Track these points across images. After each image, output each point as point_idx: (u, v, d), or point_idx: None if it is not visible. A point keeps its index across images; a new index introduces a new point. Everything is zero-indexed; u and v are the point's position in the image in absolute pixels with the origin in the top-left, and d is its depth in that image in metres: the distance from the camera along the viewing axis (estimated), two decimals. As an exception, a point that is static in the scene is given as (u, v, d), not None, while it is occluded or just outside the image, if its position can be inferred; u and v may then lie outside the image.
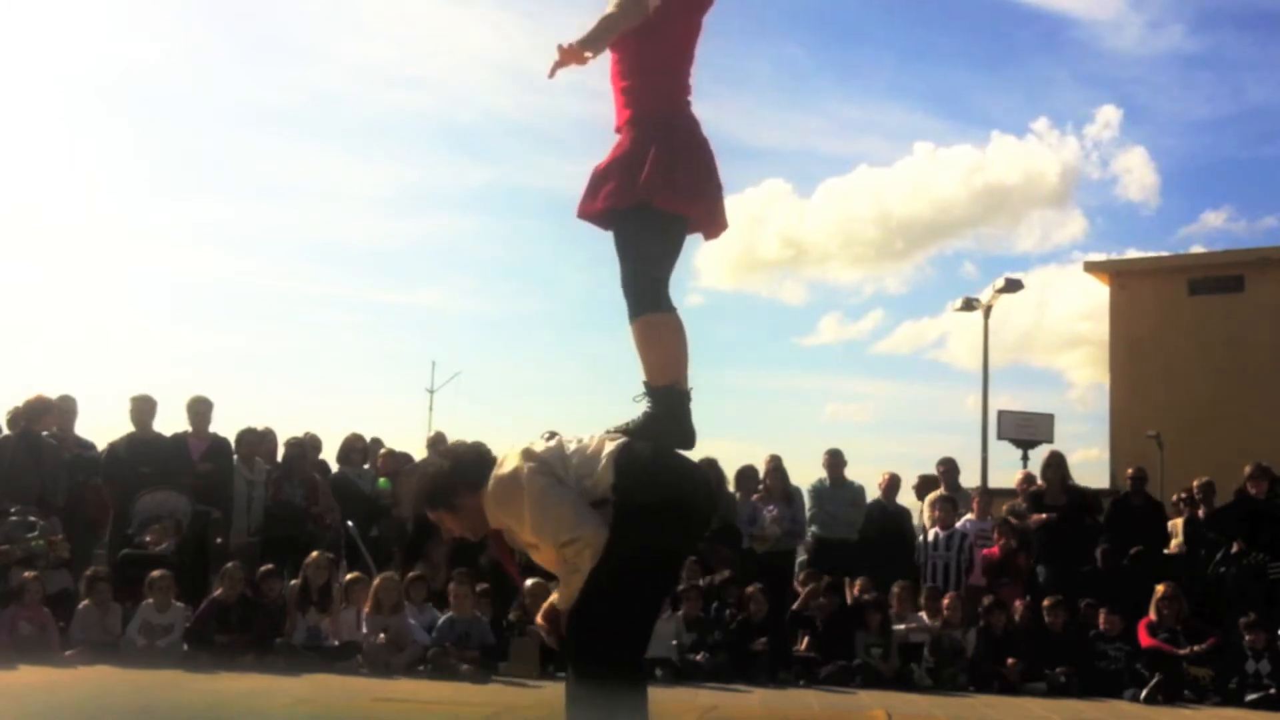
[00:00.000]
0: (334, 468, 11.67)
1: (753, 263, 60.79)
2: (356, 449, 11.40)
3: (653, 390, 4.00)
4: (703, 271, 61.25)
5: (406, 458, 11.90)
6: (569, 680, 3.76)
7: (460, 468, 3.80)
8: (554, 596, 3.82)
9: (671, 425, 3.96)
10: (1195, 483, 11.02)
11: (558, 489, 3.63)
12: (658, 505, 3.62)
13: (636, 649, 3.78)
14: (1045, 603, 9.79)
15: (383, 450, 11.64)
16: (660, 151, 4.10)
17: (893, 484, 11.60)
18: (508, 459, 3.73)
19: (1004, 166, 57.72)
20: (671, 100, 4.23)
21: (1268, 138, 57.33)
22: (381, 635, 9.26)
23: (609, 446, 3.69)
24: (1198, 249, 41.36)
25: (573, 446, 3.74)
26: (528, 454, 3.70)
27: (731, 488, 11.37)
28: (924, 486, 11.73)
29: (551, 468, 3.66)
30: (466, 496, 3.77)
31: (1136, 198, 58.91)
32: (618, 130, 4.28)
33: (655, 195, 4.07)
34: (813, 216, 59.83)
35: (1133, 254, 41.59)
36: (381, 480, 11.25)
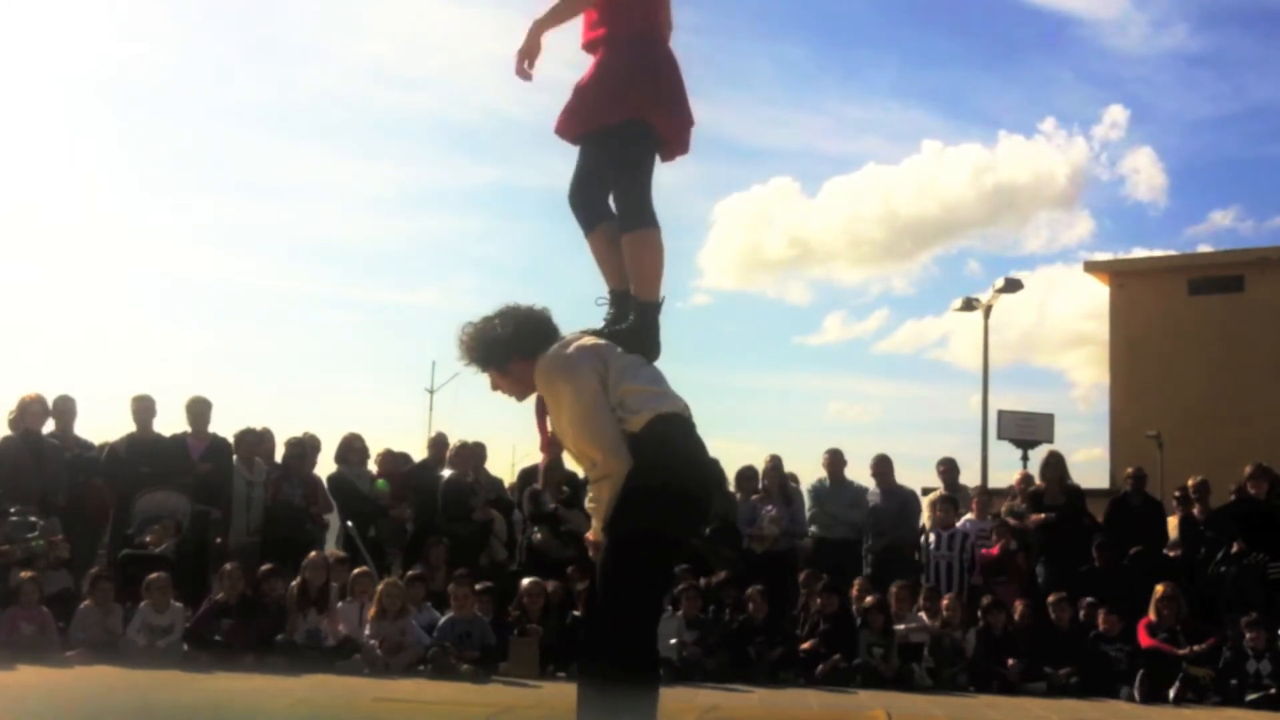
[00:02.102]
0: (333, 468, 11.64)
1: (758, 262, 60.85)
2: (354, 449, 11.40)
3: (640, 304, 4.08)
4: (707, 271, 61.29)
5: (404, 458, 11.90)
6: (579, 681, 3.81)
7: (519, 337, 3.90)
8: (590, 533, 3.99)
9: (650, 339, 4.06)
10: (1191, 481, 11.02)
11: (605, 404, 3.72)
12: (670, 494, 3.67)
13: (644, 647, 3.78)
14: (1050, 599, 9.80)
15: (380, 451, 11.62)
16: (650, 67, 4.18)
17: (884, 464, 11.42)
18: (572, 345, 3.82)
19: (1014, 166, 57.82)
20: (648, 18, 4.26)
21: (1272, 136, 57.41)
22: (380, 641, 9.25)
23: (647, 408, 3.72)
24: (1205, 248, 41.36)
25: (615, 366, 3.80)
26: (594, 353, 3.79)
27: (731, 488, 11.38)
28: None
29: (604, 379, 3.75)
30: (519, 363, 3.89)
31: (1145, 198, 59.04)
32: (586, 47, 4.32)
33: (649, 111, 4.13)
34: (819, 215, 59.92)
35: (1133, 254, 41.61)
36: (379, 481, 11.25)
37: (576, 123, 4.27)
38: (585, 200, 4.30)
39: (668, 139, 4.27)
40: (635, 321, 4.07)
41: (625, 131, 4.15)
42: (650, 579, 3.80)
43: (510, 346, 3.90)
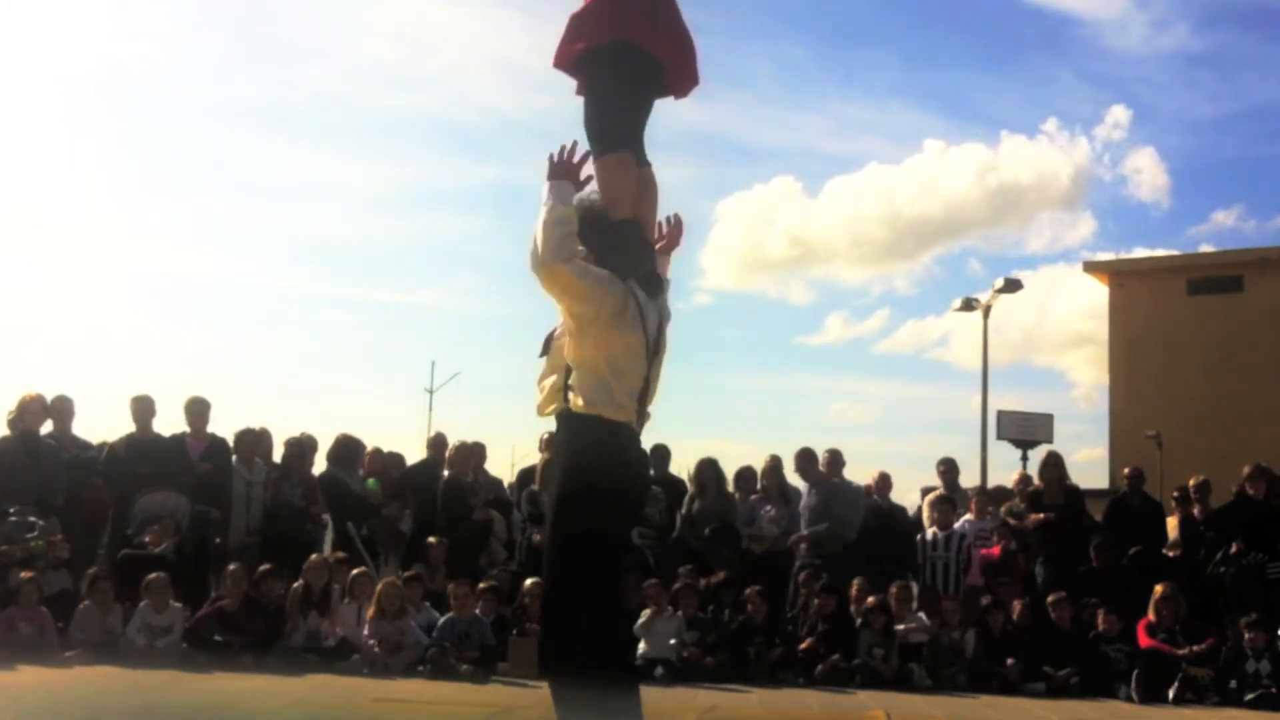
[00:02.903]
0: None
1: (759, 262, 60.87)
2: (347, 449, 11.38)
3: (613, 224, 4.10)
4: (708, 271, 61.26)
5: (396, 458, 11.90)
6: (551, 683, 3.95)
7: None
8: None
9: (626, 253, 4.09)
10: (1191, 481, 11.02)
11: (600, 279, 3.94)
12: (599, 493, 3.84)
13: (611, 643, 3.92)
14: (1050, 599, 9.80)
15: (369, 450, 11.62)
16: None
17: (884, 482, 11.58)
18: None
19: (1016, 167, 57.87)
20: None
21: (1274, 136, 57.49)
22: (379, 641, 9.24)
23: (598, 402, 3.93)
24: (1207, 248, 41.36)
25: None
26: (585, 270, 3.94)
27: (730, 488, 11.38)
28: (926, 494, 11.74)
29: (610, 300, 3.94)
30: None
31: (1148, 198, 59.14)
32: None
33: (638, 34, 4.11)
34: (820, 215, 59.94)
35: (1132, 254, 41.61)
36: (370, 480, 11.24)
37: (566, 50, 4.26)
38: (584, 126, 4.29)
39: (672, 67, 4.22)
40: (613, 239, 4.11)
41: (607, 55, 4.14)
42: (598, 579, 3.92)
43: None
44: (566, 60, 4.28)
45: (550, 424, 4.21)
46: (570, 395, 3.97)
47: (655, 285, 4.17)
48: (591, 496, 3.86)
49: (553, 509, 4.03)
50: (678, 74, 4.29)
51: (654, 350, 4.05)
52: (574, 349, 4.00)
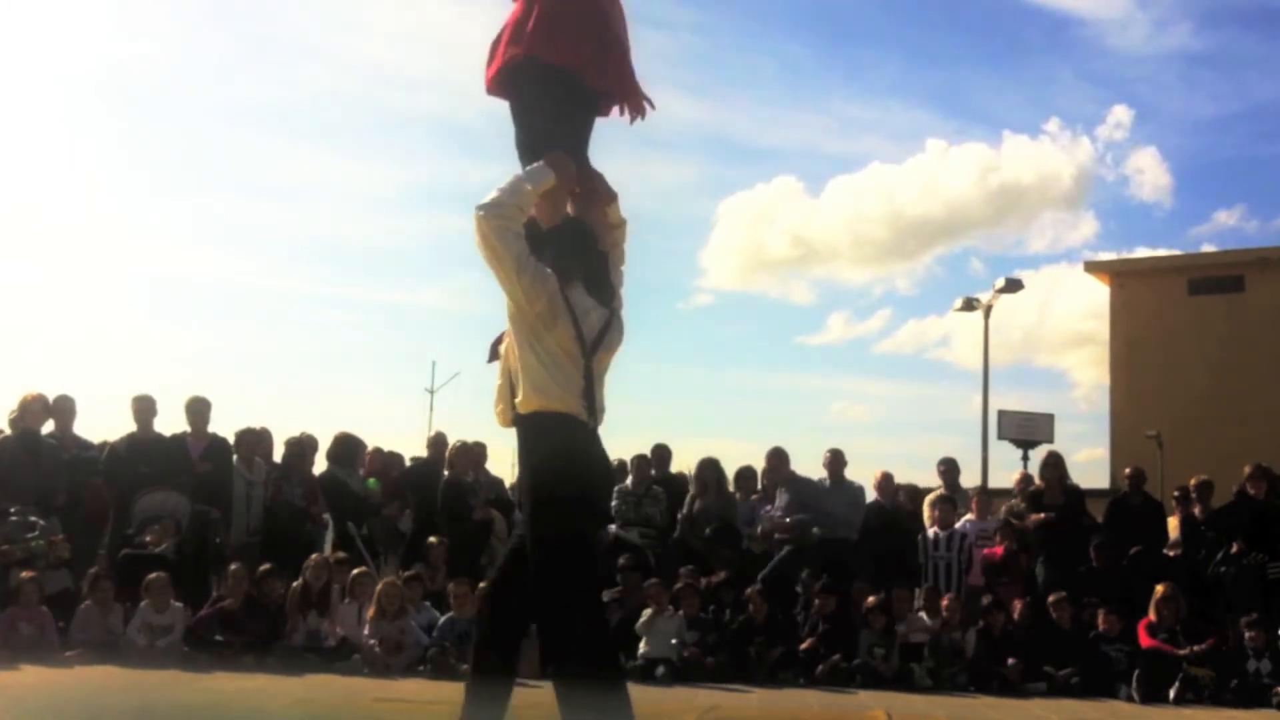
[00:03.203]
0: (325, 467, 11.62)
1: (760, 262, 60.88)
2: (346, 448, 11.38)
3: (547, 232, 4.18)
4: (710, 271, 61.23)
5: (395, 457, 11.88)
6: (555, 684, 4.02)
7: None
8: None
9: (568, 260, 4.13)
10: (1192, 481, 11.02)
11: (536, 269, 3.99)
12: (565, 497, 3.93)
13: (603, 641, 4.04)
14: (1050, 599, 9.80)
15: (369, 450, 11.61)
16: (545, 6, 4.22)
17: (886, 482, 11.57)
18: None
19: (1019, 166, 57.87)
20: None
21: (1275, 136, 57.51)
22: (380, 641, 9.24)
23: (546, 397, 4.00)
24: (1209, 248, 41.35)
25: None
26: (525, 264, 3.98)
27: (731, 488, 11.37)
28: (918, 496, 11.69)
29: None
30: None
31: (1150, 198, 59.11)
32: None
33: (537, 47, 4.17)
34: (822, 215, 59.95)
35: (1133, 254, 41.60)
36: (369, 480, 11.24)
37: (487, 73, 4.36)
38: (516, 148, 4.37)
39: (584, 73, 4.25)
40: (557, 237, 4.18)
41: (520, 74, 4.23)
42: (581, 579, 4.01)
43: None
44: (487, 84, 4.37)
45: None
46: (516, 397, 4.04)
47: (606, 294, 4.19)
48: (557, 497, 3.93)
49: (526, 514, 4.07)
50: (594, 80, 4.31)
51: (592, 348, 4.04)
52: (514, 348, 4.06)
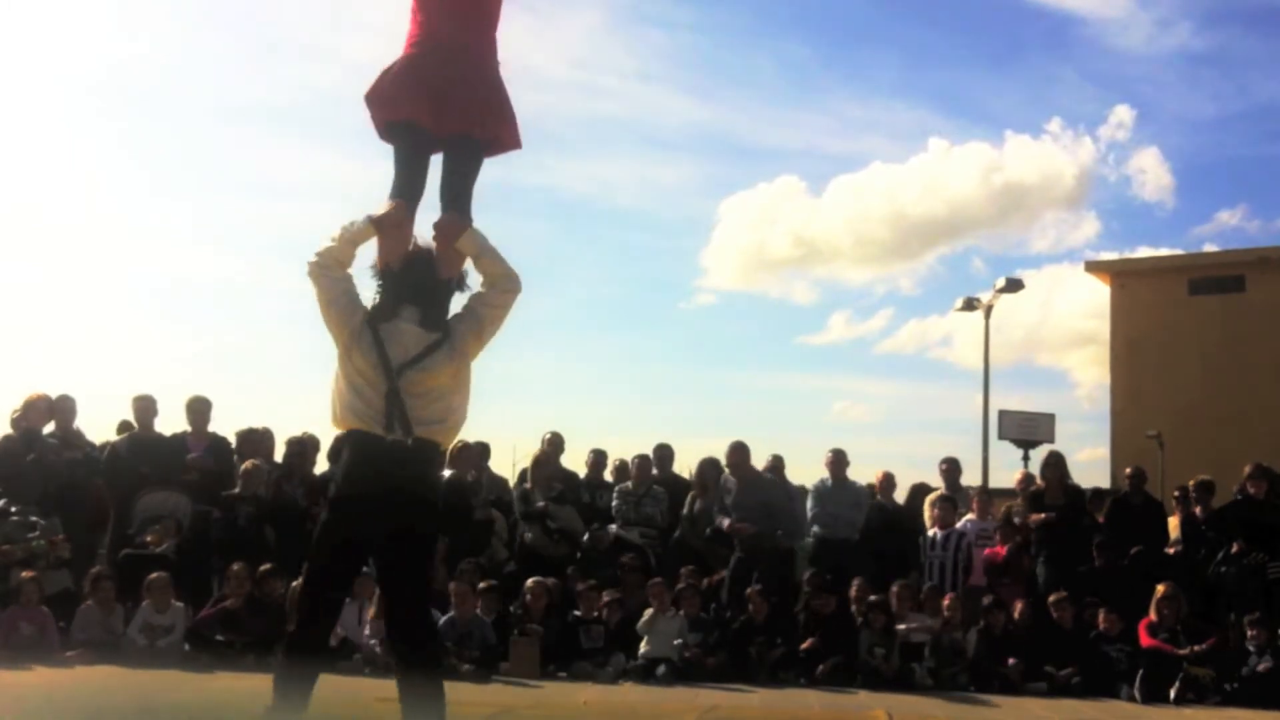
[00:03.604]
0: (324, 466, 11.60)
1: (762, 262, 60.87)
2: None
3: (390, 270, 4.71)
4: (711, 270, 61.24)
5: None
6: (411, 676, 4.48)
7: None
8: None
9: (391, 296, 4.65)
10: (1192, 481, 11.01)
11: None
12: (336, 498, 4.51)
13: (307, 630, 4.67)
14: (1051, 599, 9.79)
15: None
16: (392, 64, 4.80)
17: (888, 482, 11.57)
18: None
19: (1021, 166, 57.84)
20: (420, 33, 4.83)
21: (1278, 135, 57.48)
22: (380, 641, 9.24)
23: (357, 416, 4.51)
24: (1211, 248, 41.32)
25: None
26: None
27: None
28: (920, 493, 11.66)
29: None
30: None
31: (1152, 198, 59.09)
32: None
33: (370, 107, 4.81)
34: (824, 215, 59.93)
35: (1134, 254, 41.59)
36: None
37: (376, 115, 4.89)
38: None
39: (412, 121, 4.73)
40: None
41: (395, 127, 4.79)
42: (309, 576, 4.72)
43: None
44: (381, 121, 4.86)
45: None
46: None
47: (435, 320, 4.58)
48: (331, 501, 4.59)
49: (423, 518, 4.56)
50: (433, 124, 4.75)
51: (399, 371, 4.43)
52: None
